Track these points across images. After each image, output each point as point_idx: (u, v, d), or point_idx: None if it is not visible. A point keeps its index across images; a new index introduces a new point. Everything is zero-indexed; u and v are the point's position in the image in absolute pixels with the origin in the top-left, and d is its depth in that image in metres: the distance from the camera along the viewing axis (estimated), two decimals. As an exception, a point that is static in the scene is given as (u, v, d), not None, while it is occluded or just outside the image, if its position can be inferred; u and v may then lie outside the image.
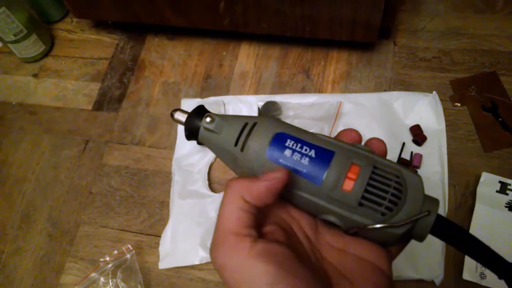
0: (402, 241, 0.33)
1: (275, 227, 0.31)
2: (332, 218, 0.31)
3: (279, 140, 0.31)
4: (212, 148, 0.35)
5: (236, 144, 0.32)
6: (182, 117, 0.36)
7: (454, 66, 0.78)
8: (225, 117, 0.34)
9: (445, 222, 0.30)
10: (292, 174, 0.31)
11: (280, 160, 0.31)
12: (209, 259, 0.66)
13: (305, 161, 0.31)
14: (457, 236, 0.30)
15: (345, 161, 0.30)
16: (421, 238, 0.31)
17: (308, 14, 0.73)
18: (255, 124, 0.33)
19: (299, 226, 0.33)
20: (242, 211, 0.28)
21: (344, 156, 0.31)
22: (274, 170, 0.30)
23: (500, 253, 0.30)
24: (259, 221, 0.30)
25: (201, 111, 0.35)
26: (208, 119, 0.34)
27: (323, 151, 0.31)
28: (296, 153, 0.31)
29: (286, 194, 0.32)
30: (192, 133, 0.35)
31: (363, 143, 0.34)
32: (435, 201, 0.31)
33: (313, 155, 0.31)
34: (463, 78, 0.77)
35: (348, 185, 0.30)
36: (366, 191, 0.30)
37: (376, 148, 0.33)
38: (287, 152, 0.31)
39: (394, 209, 0.29)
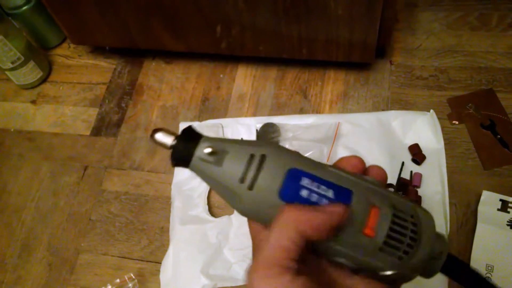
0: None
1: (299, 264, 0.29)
2: (343, 260, 0.29)
3: (293, 178, 0.28)
4: (207, 180, 0.30)
5: (242, 181, 0.28)
6: (168, 139, 0.30)
7: (451, 84, 0.78)
8: (225, 146, 0.29)
9: (453, 261, 0.30)
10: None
11: (296, 202, 0.28)
12: (210, 286, 0.65)
13: (324, 202, 0.28)
14: (465, 275, 0.30)
15: (364, 202, 0.28)
16: (428, 276, 0.30)
17: (305, 36, 0.74)
18: (263, 157, 0.29)
19: None
20: (292, 243, 0.27)
21: (362, 195, 0.29)
22: (331, 204, 0.28)
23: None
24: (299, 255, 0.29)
25: (193, 135, 0.30)
26: (207, 150, 0.28)
27: (341, 191, 0.29)
28: (313, 194, 0.28)
29: None
30: (181, 161, 0.30)
31: None
32: (443, 239, 0.30)
33: (331, 196, 0.28)
34: (460, 96, 0.77)
35: (371, 229, 0.28)
36: (388, 236, 0.28)
37: (377, 176, 0.32)
38: (304, 193, 0.28)
39: (410, 252, 0.28)
